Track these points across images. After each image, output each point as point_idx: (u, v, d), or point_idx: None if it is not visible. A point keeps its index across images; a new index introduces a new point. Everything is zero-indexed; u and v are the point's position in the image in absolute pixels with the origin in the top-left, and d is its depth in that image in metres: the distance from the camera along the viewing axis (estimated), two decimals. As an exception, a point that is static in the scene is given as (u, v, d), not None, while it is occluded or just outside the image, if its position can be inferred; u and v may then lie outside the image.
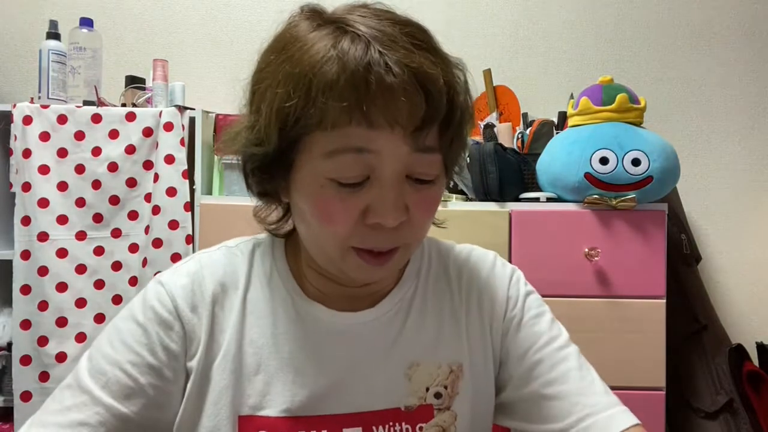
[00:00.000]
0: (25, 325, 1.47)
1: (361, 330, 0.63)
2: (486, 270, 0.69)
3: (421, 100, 0.49)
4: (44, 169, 1.50)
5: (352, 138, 0.50)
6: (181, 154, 1.54)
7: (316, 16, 0.54)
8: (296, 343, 0.61)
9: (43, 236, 1.48)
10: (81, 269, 1.51)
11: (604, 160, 1.35)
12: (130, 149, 1.53)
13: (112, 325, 0.61)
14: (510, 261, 1.40)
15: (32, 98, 1.58)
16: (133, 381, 0.57)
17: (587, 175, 1.37)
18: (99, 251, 1.53)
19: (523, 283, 0.69)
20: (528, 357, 0.64)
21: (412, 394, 0.62)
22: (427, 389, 0.62)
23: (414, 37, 0.51)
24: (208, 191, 1.61)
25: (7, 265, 1.51)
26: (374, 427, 0.60)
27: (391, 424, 0.61)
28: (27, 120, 1.50)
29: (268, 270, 0.64)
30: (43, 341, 1.47)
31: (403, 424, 0.61)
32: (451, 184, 1.53)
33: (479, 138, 1.67)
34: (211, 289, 0.62)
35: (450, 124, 0.53)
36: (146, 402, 0.57)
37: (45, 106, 1.52)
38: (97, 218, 1.53)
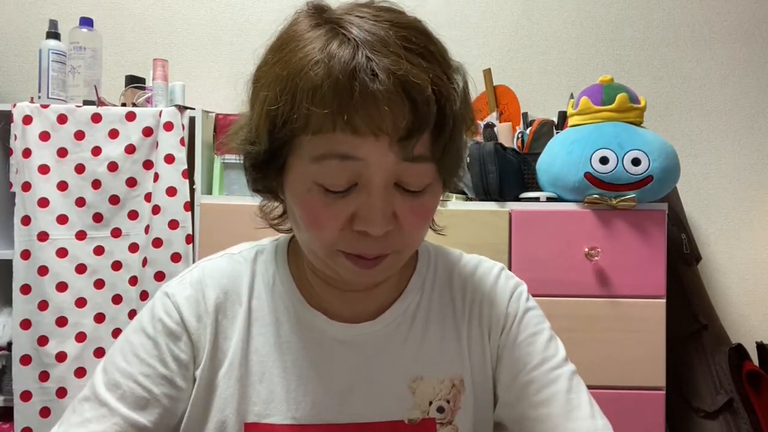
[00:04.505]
0: (25, 324, 1.47)
1: (363, 341, 0.63)
2: (489, 283, 0.67)
3: (406, 109, 0.48)
4: (44, 169, 1.50)
5: (337, 144, 0.49)
6: (181, 154, 1.54)
7: (317, 14, 0.53)
8: (299, 352, 0.61)
9: (43, 236, 1.48)
10: (81, 269, 1.51)
11: (604, 160, 1.35)
12: (130, 149, 1.53)
13: (124, 338, 0.62)
14: (510, 261, 1.41)
15: (32, 98, 1.58)
16: (147, 392, 0.58)
17: (587, 175, 1.37)
18: (99, 251, 1.53)
19: (524, 299, 0.67)
20: (519, 378, 0.63)
21: (416, 408, 0.62)
22: (430, 403, 0.62)
23: (409, 41, 0.49)
24: (208, 191, 1.61)
25: (7, 265, 1.51)
26: None
27: None
28: (27, 120, 1.50)
29: (271, 277, 0.64)
30: (43, 341, 1.47)
31: None
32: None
33: (479, 138, 1.67)
34: (214, 297, 0.62)
35: (441, 132, 0.51)
36: (162, 411, 0.59)
37: (45, 106, 1.52)
38: (97, 218, 1.53)
